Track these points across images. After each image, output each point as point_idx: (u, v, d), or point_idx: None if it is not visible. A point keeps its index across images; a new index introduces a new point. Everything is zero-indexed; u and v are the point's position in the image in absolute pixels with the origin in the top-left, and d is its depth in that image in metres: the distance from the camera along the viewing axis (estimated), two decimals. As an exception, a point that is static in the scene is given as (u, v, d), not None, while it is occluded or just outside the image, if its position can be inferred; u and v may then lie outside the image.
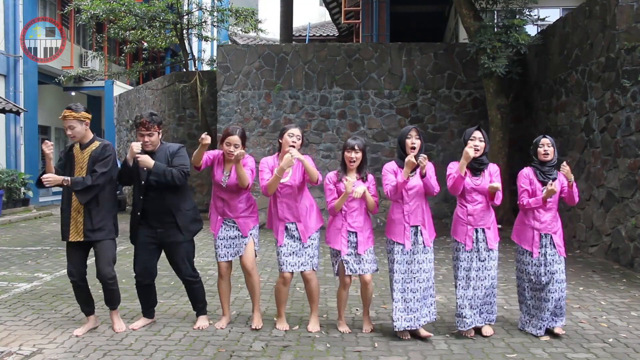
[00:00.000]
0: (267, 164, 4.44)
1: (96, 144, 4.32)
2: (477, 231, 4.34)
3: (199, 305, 4.63)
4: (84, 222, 4.22)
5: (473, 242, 4.32)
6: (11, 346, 4.08)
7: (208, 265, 6.99)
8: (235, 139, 4.30)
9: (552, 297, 4.36)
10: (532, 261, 4.44)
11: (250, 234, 4.52)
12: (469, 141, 4.34)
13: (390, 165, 4.36)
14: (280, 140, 4.43)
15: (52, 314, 4.94)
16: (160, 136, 4.39)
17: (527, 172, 4.52)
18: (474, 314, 4.34)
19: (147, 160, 4.19)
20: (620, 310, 5.14)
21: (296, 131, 4.39)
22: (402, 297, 4.23)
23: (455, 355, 3.96)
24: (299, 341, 4.25)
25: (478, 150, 4.30)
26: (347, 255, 4.34)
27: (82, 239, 4.24)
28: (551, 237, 4.42)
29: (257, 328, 4.49)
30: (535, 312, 4.43)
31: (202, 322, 4.57)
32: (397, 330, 4.23)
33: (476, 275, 4.33)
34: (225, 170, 4.44)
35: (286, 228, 4.41)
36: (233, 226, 4.49)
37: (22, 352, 3.95)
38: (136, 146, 4.17)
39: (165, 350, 4.03)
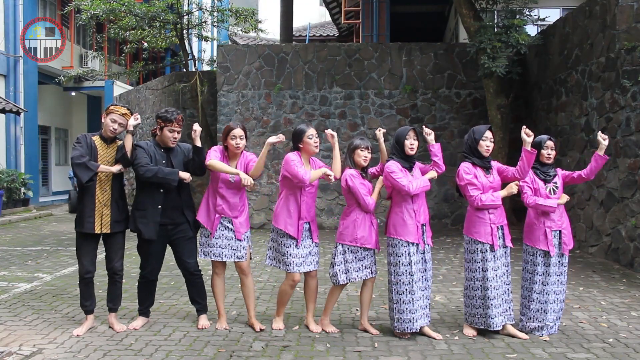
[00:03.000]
0: (298, 158, 4.36)
1: (119, 141, 4.47)
2: (498, 229, 4.32)
3: (202, 302, 4.66)
4: (111, 213, 4.35)
5: (498, 241, 4.30)
6: (11, 346, 4.08)
7: (208, 265, 6.98)
8: (239, 131, 4.43)
9: (557, 299, 4.40)
10: (544, 261, 4.43)
11: (246, 237, 4.53)
12: (481, 141, 4.33)
13: (397, 164, 4.27)
14: (300, 145, 4.38)
15: (52, 314, 4.94)
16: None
17: None
18: (503, 311, 4.32)
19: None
20: (620, 310, 5.14)
21: (314, 131, 4.40)
22: (422, 296, 4.25)
23: (455, 355, 3.96)
24: (299, 341, 4.25)
25: (489, 150, 4.34)
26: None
27: (108, 231, 4.35)
28: (560, 233, 4.44)
29: (263, 329, 4.49)
30: (538, 314, 4.44)
31: (204, 321, 4.58)
32: (417, 328, 4.24)
33: (502, 273, 4.32)
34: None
35: (303, 228, 4.41)
36: (229, 226, 4.48)
37: (22, 352, 3.95)
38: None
39: (165, 350, 4.03)
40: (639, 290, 5.91)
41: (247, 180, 4.25)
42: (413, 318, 4.21)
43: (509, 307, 4.37)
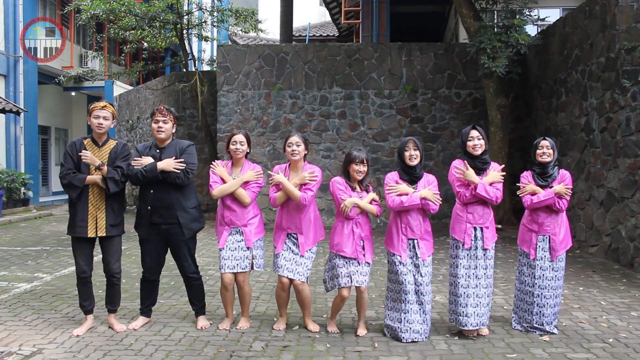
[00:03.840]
0: (282, 170, 4.48)
1: (113, 142, 4.44)
2: (475, 229, 4.34)
3: (199, 304, 4.64)
4: (106, 217, 4.34)
5: (472, 240, 4.32)
6: (11, 346, 4.08)
7: (208, 265, 6.99)
8: (239, 137, 4.47)
9: (547, 303, 4.39)
10: (528, 262, 4.47)
11: (255, 246, 4.51)
12: (468, 141, 4.34)
13: (393, 176, 4.33)
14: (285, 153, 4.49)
15: (52, 314, 4.94)
16: (174, 129, 4.50)
17: (526, 174, 4.59)
18: (475, 314, 4.30)
19: (158, 167, 4.32)
20: (620, 310, 5.14)
21: (294, 139, 4.40)
22: (412, 309, 4.20)
23: (455, 355, 3.96)
24: (299, 341, 4.25)
25: (476, 149, 4.33)
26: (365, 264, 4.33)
27: (104, 234, 4.34)
28: (550, 238, 4.44)
29: (242, 329, 4.50)
30: (526, 314, 4.46)
31: (203, 322, 4.58)
32: (406, 340, 4.20)
33: (474, 274, 4.32)
34: (233, 175, 4.50)
35: (288, 236, 4.42)
36: (238, 235, 4.47)
37: (22, 352, 3.95)
38: (146, 159, 4.35)
39: (165, 350, 4.03)
40: (639, 290, 5.92)
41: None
42: (400, 328, 4.20)
43: (487, 311, 4.35)
